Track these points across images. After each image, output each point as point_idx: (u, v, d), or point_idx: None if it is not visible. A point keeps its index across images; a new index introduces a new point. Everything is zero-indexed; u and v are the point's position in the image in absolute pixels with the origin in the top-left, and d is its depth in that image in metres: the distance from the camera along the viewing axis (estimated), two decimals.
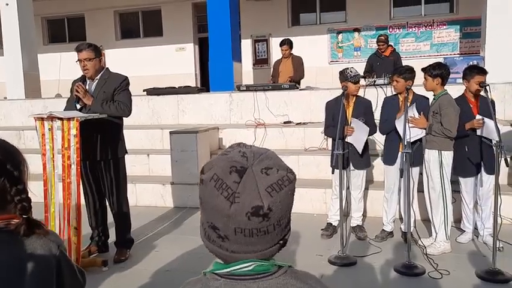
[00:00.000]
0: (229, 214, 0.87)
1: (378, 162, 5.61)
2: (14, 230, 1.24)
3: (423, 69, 4.21)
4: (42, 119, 3.62)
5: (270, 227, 0.89)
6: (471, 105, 4.23)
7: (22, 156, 1.33)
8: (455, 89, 5.17)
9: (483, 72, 4.19)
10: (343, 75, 4.44)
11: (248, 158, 0.91)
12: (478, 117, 4.11)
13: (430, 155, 4.14)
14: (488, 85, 4.01)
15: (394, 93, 4.66)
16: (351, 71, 4.44)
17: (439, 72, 4.08)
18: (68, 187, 3.61)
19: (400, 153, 4.31)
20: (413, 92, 4.36)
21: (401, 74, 4.32)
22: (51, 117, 3.58)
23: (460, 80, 6.52)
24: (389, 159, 4.47)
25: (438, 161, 4.08)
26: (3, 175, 1.23)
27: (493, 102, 4.28)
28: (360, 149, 4.37)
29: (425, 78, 4.17)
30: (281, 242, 0.94)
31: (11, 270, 1.23)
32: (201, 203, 0.94)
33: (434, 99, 4.21)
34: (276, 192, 0.88)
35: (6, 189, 1.24)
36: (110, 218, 4.30)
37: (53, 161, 3.67)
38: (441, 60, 6.34)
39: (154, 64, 12.46)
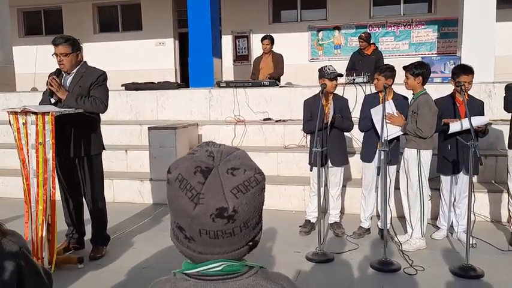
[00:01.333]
0: (194, 215, 0.85)
1: (355, 160, 5.66)
2: None
3: (405, 68, 4.25)
4: (15, 113, 3.53)
5: (236, 228, 0.87)
6: (458, 104, 4.28)
7: None
8: (432, 88, 5.26)
9: (468, 71, 4.22)
10: (321, 73, 4.49)
11: (215, 158, 0.89)
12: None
13: (409, 154, 4.19)
14: (463, 85, 4.07)
15: (374, 91, 4.70)
16: (328, 69, 4.48)
17: (420, 71, 4.13)
18: (45, 183, 3.54)
19: (377, 151, 4.37)
20: (393, 91, 4.41)
21: (382, 72, 4.37)
22: (25, 112, 3.49)
23: (437, 80, 6.68)
24: (367, 157, 4.51)
25: (417, 160, 4.13)
26: None
27: (481, 102, 4.37)
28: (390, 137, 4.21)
29: (406, 76, 4.21)
30: (250, 243, 0.92)
31: None
32: (168, 203, 0.91)
33: (413, 98, 4.26)
34: (242, 193, 0.86)
35: None
36: (87, 214, 4.23)
37: (28, 156, 3.58)
38: (419, 59, 6.43)
39: (134, 59, 12.30)
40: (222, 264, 0.89)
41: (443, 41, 10.77)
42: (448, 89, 5.02)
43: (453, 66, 5.14)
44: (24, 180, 3.59)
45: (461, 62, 6.60)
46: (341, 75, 4.53)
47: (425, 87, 4.25)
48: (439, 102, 4.33)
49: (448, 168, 4.34)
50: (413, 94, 4.27)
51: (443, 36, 10.77)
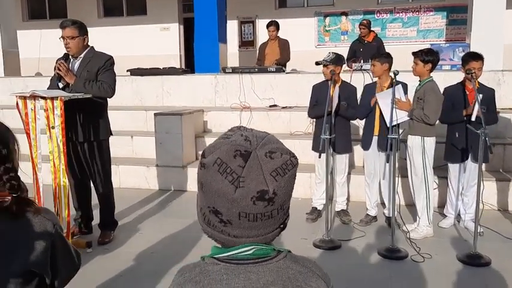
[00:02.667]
0: (234, 199, 0.85)
1: (360, 148, 5.65)
2: (7, 208, 1.22)
3: (414, 53, 4.21)
4: (24, 98, 3.51)
5: (274, 211, 0.88)
6: (467, 92, 4.24)
7: (12, 135, 1.30)
8: (440, 76, 5.21)
9: (477, 57, 4.19)
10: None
11: (251, 142, 0.89)
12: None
13: (413, 141, 4.18)
14: (474, 72, 4.03)
15: (374, 80, 4.70)
16: (327, 56, 4.47)
17: (431, 58, 4.10)
18: (65, 166, 3.57)
19: (374, 138, 4.38)
20: (391, 78, 4.38)
21: (377, 58, 4.41)
22: (34, 96, 3.47)
23: (446, 67, 6.61)
24: (365, 144, 4.54)
25: (421, 147, 4.12)
26: None
27: (492, 90, 4.33)
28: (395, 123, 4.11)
29: (415, 62, 4.17)
30: (282, 226, 0.94)
31: (1, 247, 1.21)
32: (201, 187, 0.91)
33: (419, 84, 4.23)
34: (281, 176, 0.87)
35: None
36: (94, 199, 4.24)
37: (36, 141, 3.58)
38: (427, 46, 6.36)
39: (138, 44, 12.21)
40: (253, 248, 0.90)
41: (451, 27, 10.64)
42: (456, 76, 4.98)
43: (462, 53, 5.10)
44: (31, 164, 3.60)
45: (470, 50, 6.54)
46: (325, 62, 4.44)
47: (433, 74, 4.22)
48: (449, 90, 4.31)
49: (455, 156, 4.32)
50: (419, 81, 4.24)
51: (451, 23, 10.63)
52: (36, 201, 3.60)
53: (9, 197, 1.22)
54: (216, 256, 0.92)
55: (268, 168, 0.86)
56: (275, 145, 0.91)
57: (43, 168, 3.67)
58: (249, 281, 0.89)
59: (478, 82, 4.20)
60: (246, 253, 0.90)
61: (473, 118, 3.99)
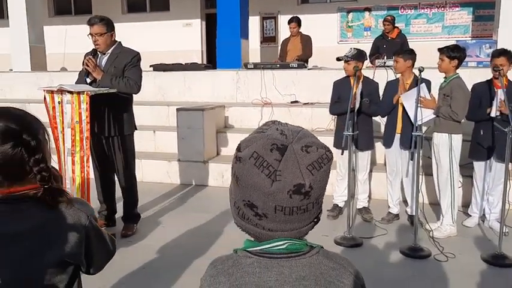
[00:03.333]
0: (271, 192, 0.86)
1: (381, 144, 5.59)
2: (40, 198, 1.23)
3: (440, 49, 4.15)
4: (51, 92, 3.59)
5: (310, 205, 0.89)
6: (496, 89, 4.16)
7: (41, 125, 1.30)
8: (466, 73, 5.11)
9: (500, 54, 4.13)
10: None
11: (287, 136, 0.90)
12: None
13: (440, 138, 4.11)
14: (502, 69, 3.95)
15: (397, 76, 4.64)
16: (348, 51, 4.43)
17: (457, 54, 4.03)
18: (81, 161, 3.63)
19: (397, 135, 4.33)
20: (414, 74, 4.32)
21: (400, 54, 4.33)
22: (61, 91, 3.55)
23: (472, 64, 6.48)
24: (386, 142, 4.48)
25: (448, 145, 4.05)
26: (19, 145, 1.20)
27: None
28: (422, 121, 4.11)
29: (441, 58, 4.10)
30: (315, 220, 0.95)
31: (36, 238, 1.22)
32: (236, 181, 0.92)
33: (445, 81, 4.16)
34: (317, 170, 0.88)
35: (24, 159, 1.21)
36: (118, 193, 4.31)
37: (63, 134, 3.65)
38: (453, 42, 6.25)
39: (161, 40, 12.32)
40: (286, 243, 0.91)
41: (478, 23, 10.40)
42: (482, 73, 4.90)
43: (489, 50, 4.99)
44: (57, 158, 3.67)
45: (497, 46, 6.39)
46: (346, 57, 4.40)
47: (458, 71, 4.14)
48: (478, 87, 4.25)
49: (480, 154, 4.25)
50: (445, 77, 4.17)
51: (478, 19, 10.39)
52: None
53: (41, 188, 1.23)
54: (249, 249, 0.93)
55: (304, 162, 0.87)
56: (310, 139, 0.91)
57: (68, 161, 3.74)
58: (282, 275, 0.89)
59: (507, 79, 4.09)
60: (279, 247, 0.91)
61: (492, 114, 3.96)
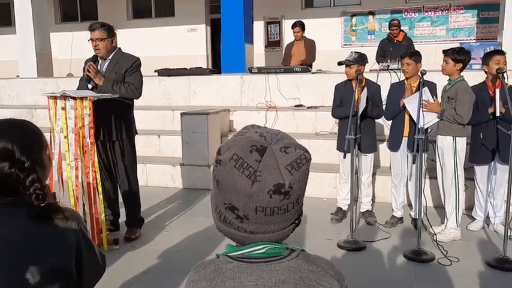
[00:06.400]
0: (251, 193, 0.87)
1: (386, 147, 5.58)
2: (36, 213, 1.24)
3: (445, 52, 4.13)
4: (55, 97, 3.63)
5: (290, 205, 0.90)
6: (490, 92, 4.15)
7: (39, 137, 1.30)
8: (470, 75, 5.08)
9: (501, 52, 4.14)
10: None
11: (266, 138, 0.91)
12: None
13: (444, 141, 4.09)
14: (505, 71, 3.93)
15: (401, 79, 4.61)
16: (349, 55, 4.43)
17: (462, 57, 4.01)
18: (92, 165, 3.67)
19: (404, 139, 4.31)
20: (420, 77, 4.28)
21: (412, 57, 4.27)
22: (64, 96, 3.58)
23: (476, 66, 6.45)
24: (393, 145, 4.45)
25: (452, 148, 4.04)
26: (13, 166, 1.22)
27: None
28: (427, 125, 4.12)
29: (446, 61, 4.08)
30: (296, 221, 0.95)
31: (28, 244, 1.23)
32: (217, 185, 0.93)
33: (449, 84, 4.15)
34: (296, 170, 0.89)
35: (19, 179, 1.22)
36: (121, 197, 4.34)
37: (68, 139, 3.69)
38: (457, 45, 6.23)
39: (166, 45, 12.40)
40: (265, 247, 0.91)
41: (482, 26, 10.35)
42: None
43: None
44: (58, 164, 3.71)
45: (502, 48, 6.37)
46: (348, 61, 4.41)
47: (462, 73, 4.13)
48: (473, 90, 4.22)
49: (480, 157, 4.22)
50: (449, 80, 4.15)
51: (482, 21, 10.34)
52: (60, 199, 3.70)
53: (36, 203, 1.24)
54: (229, 254, 0.94)
55: (283, 162, 0.88)
56: (289, 141, 0.93)
57: (66, 166, 3.77)
58: (261, 279, 0.90)
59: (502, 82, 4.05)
60: (258, 252, 0.91)
61: (497, 113, 3.94)
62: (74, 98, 3.54)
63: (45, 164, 1.31)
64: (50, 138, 3.67)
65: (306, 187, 0.94)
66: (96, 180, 3.77)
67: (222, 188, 0.91)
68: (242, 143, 0.90)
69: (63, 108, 3.56)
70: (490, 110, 4.06)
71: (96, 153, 3.77)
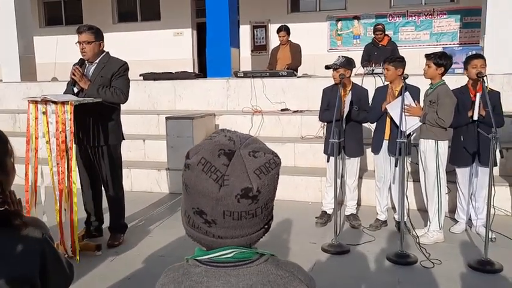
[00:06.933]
0: (219, 197, 0.86)
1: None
2: None
3: (427, 56, 4.18)
4: (35, 102, 3.58)
5: (258, 209, 0.89)
6: (471, 95, 4.21)
7: (4, 147, 1.28)
8: (453, 79, 5.15)
9: (479, 56, 4.21)
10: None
11: (235, 142, 0.91)
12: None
13: (426, 145, 4.13)
14: (485, 75, 3.99)
15: (385, 83, 4.66)
16: (337, 59, 4.45)
17: (444, 62, 4.06)
18: (64, 171, 3.60)
19: (385, 142, 4.36)
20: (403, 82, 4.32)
21: (392, 62, 4.32)
22: (45, 101, 3.54)
23: (458, 70, 6.54)
24: (375, 148, 4.50)
25: (434, 151, 4.08)
26: None
27: (498, 93, 4.28)
28: (410, 130, 4.18)
29: (428, 65, 4.13)
30: (266, 226, 0.94)
31: None
32: (185, 189, 0.92)
33: (431, 88, 4.20)
34: (264, 174, 0.88)
35: None
36: (105, 203, 4.29)
37: (49, 144, 3.63)
38: (440, 49, 6.30)
39: (152, 49, 12.34)
40: (234, 251, 0.90)
41: (465, 30, 10.51)
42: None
43: None
44: (34, 169, 3.64)
45: (484, 53, 6.46)
46: (335, 65, 4.44)
47: (445, 77, 4.18)
48: (455, 94, 4.28)
49: (461, 160, 4.28)
50: (431, 84, 4.20)
51: (466, 26, 10.50)
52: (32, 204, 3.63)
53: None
54: (198, 258, 0.93)
55: (251, 166, 0.87)
56: (258, 145, 0.92)
57: (47, 171, 3.70)
58: (229, 284, 0.89)
59: (483, 85, 4.11)
60: (226, 256, 0.90)
61: (475, 117, 4.03)
62: (55, 103, 3.49)
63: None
64: (29, 143, 3.62)
65: (276, 192, 0.93)
66: (75, 185, 3.71)
67: (190, 192, 0.90)
68: (210, 147, 0.89)
69: (44, 113, 3.51)
70: (469, 114, 4.12)
71: (75, 158, 3.71)
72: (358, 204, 4.92)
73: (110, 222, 4.26)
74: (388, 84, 4.48)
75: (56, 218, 3.65)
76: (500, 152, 3.47)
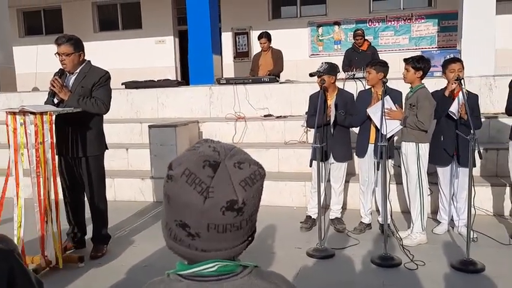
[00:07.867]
0: (203, 210, 0.84)
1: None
2: None
3: (405, 60, 4.23)
4: (14, 113, 3.52)
5: (243, 222, 0.88)
6: (452, 96, 4.27)
7: None
8: (432, 82, 5.24)
9: (456, 60, 4.29)
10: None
11: (220, 153, 0.88)
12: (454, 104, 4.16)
13: (407, 148, 4.18)
14: (462, 78, 4.06)
15: (367, 87, 4.70)
16: (320, 66, 4.49)
17: (422, 65, 4.12)
18: (44, 183, 3.54)
19: (370, 146, 4.39)
20: (385, 86, 4.36)
21: (373, 66, 4.37)
22: (24, 112, 3.49)
23: (437, 74, 6.64)
24: (359, 152, 4.53)
25: (415, 153, 4.12)
26: None
27: (476, 96, 4.36)
28: (391, 133, 4.22)
29: (406, 69, 4.19)
30: (250, 238, 0.93)
31: None
32: (168, 201, 0.89)
33: (411, 91, 4.25)
34: (250, 186, 0.86)
35: None
36: (88, 213, 4.23)
37: (29, 156, 3.58)
38: (419, 53, 6.41)
39: (134, 57, 12.29)
40: (217, 265, 0.88)
41: (443, 34, 10.72)
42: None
43: None
44: (15, 181, 3.57)
45: (461, 56, 6.58)
46: (319, 72, 4.48)
47: (424, 80, 4.24)
48: (434, 96, 4.34)
49: (440, 159, 4.34)
50: (410, 87, 4.26)
51: (443, 30, 10.72)
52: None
53: None
54: (180, 273, 0.91)
55: (237, 178, 0.86)
56: (243, 156, 0.90)
57: (28, 182, 3.64)
58: None
59: (461, 88, 4.19)
60: (209, 270, 0.88)
61: (451, 109, 4.12)
62: (34, 113, 3.44)
63: None
64: (9, 155, 3.56)
65: (260, 203, 0.92)
66: (56, 196, 3.66)
67: (172, 204, 0.88)
68: (194, 158, 0.87)
69: (22, 124, 3.46)
70: (446, 93, 4.21)
71: (57, 169, 3.66)
72: (343, 208, 4.94)
73: (92, 233, 4.19)
74: (370, 88, 4.52)
75: (36, 230, 3.59)
76: (479, 153, 3.54)
